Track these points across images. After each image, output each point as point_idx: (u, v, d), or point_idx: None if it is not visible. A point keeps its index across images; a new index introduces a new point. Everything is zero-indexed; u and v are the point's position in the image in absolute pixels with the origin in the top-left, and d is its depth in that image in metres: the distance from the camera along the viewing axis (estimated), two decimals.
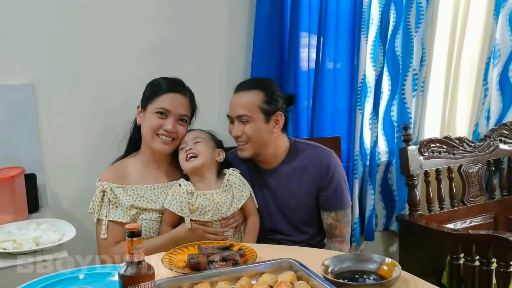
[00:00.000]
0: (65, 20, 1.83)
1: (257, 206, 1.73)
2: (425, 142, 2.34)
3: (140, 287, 0.96)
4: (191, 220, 1.60)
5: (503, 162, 2.63)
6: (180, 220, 1.63)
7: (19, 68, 1.80)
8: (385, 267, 1.20)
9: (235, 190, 1.66)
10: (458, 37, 2.45)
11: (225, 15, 2.07)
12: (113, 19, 1.90)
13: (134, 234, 0.95)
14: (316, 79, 2.14)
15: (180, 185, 1.63)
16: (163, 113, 1.64)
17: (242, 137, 1.69)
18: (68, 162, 1.90)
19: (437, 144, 2.38)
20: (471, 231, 2.09)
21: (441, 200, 2.40)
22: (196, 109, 1.75)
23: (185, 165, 1.64)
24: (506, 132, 2.60)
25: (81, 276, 1.20)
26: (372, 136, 2.33)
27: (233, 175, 1.69)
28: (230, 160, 1.77)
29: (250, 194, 1.70)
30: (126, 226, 0.96)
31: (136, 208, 1.62)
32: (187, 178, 1.67)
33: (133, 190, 1.64)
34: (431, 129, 2.50)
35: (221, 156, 1.70)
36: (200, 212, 1.61)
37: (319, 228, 1.81)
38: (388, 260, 1.21)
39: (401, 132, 2.29)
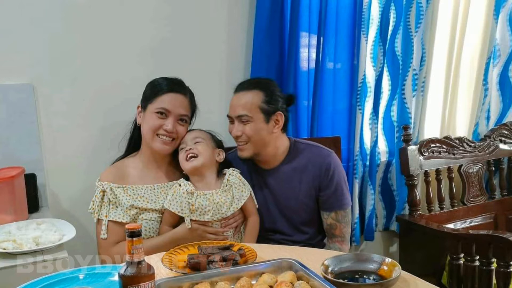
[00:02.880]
0: (64, 20, 1.83)
1: (257, 206, 1.73)
2: (425, 142, 2.34)
3: (140, 287, 0.96)
4: (191, 220, 1.60)
5: (503, 162, 2.63)
6: (180, 220, 1.63)
7: (19, 68, 1.80)
8: (385, 267, 1.20)
9: (235, 190, 1.66)
10: (458, 37, 2.45)
11: (225, 15, 2.07)
12: (113, 19, 1.90)
13: (134, 234, 0.95)
14: (316, 79, 2.14)
15: (180, 185, 1.63)
16: (163, 113, 1.64)
17: (242, 137, 1.69)
18: (68, 162, 1.90)
19: (437, 144, 2.38)
20: (471, 231, 2.09)
21: (441, 200, 2.40)
22: (196, 109, 1.76)
23: (185, 165, 1.64)
24: (506, 132, 2.60)
25: (81, 276, 1.20)
26: (372, 136, 2.33)
27: (233, 175, 1.69)
28: (230, 160, 1.77)
29: (250, 194, 1.70)
30: (126, 226, 0.96)
31: (136, 208, 1.62)
32: (187, 178, 1.67)
33: (133, 190, 1.64)
34: (431, 129, 2.50)
35: (221, 156, 1.70)
36: (200, 212, 1.60)
37: (319, 228, 1.81)
38: (388, 260, 1.21)
39: (401, 132, 2.29)
